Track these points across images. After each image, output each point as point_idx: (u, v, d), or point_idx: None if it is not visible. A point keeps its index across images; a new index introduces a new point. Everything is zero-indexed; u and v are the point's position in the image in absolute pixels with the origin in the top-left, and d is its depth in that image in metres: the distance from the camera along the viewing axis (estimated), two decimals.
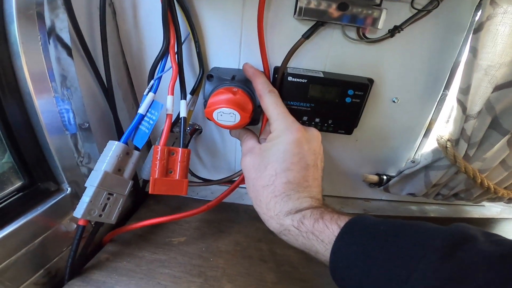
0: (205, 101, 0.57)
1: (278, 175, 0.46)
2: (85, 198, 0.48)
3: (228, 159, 0.77)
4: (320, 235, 0.42)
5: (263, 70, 0.57)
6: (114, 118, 0.60)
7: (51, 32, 0.47)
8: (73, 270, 0.53)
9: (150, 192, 0.51)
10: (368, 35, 0.55)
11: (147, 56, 0.61)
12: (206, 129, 0.72)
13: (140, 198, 0.76)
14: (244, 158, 0.52)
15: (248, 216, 0.74)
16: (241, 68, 0.59)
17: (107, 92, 0.57)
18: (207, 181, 0.76)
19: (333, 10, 0.51)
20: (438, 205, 0.88)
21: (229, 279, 0.56)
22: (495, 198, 0.72)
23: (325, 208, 0.46)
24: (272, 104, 0.51)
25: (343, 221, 0.41)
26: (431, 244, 0.34)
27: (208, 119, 0.53)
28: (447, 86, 0.63)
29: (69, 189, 0.55)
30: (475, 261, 0.31)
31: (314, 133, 0.53)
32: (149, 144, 0.72)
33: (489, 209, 0.89)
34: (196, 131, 0.71)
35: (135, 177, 0.67)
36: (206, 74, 0.57)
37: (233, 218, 0.73)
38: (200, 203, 0.73)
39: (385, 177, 0.76)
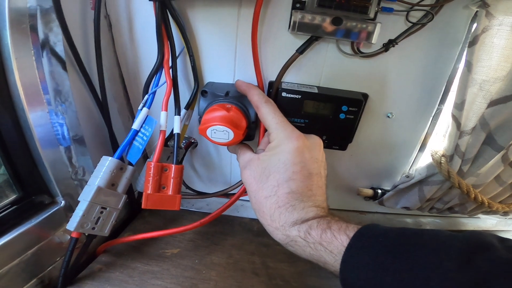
0: (200, 118, 0.58)
1: (280, 186, 0.45)
2: (78, 212, 0.49)
3: (224, 172, 0.77)
4: (328, 245, 0.40)
5: (257, 85, 0.57)
6: (109, 132, 0.60)
7: (45, 46, 0.47)
8: (66, 280, 0.54)
9: (143, 207, 0.51)
10: (362, 50, 0.56)
11: (143, 69, 0.61)
12: (202, 142, 0.72)
13: (135, 210, 0.77)
14: (244, 171, 0.50)
15: (242, 228, 0.75)
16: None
17: (102, 106, 0.57)
18: (201, 194, 0.76)
19: (327, 25, 0.51)
20: (433, 217, 0.87)
21: None
22: (490, 211, 0.72)
23: (332, 217, 0.44)
24: (269, 114, 0.50)
25: (352, 230, 0.40)
26: (446, 252, 0.33)
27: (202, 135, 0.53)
28: (442, 101, 0.62)
29: (63, 202, 0.56)
30: (493, 268, 0.30)
31: (316, 140, 0.51)
32: (145, 156, 0.73)
33: (485, 221, 0.88)
34: (191, 144, 0.71)
35: (130, 188, 0.67)
36: (201, 88, 0.58)
37: (227, 230, 0.73)
38: (195, 215, 0.74)
39: (379, 191, 0.76)
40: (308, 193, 0.45)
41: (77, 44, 0.49)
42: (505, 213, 0.75)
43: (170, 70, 0.54)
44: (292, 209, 0.44)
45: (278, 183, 0.45)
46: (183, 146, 0.69)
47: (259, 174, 0.47)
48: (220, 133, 0.51)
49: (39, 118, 0.49)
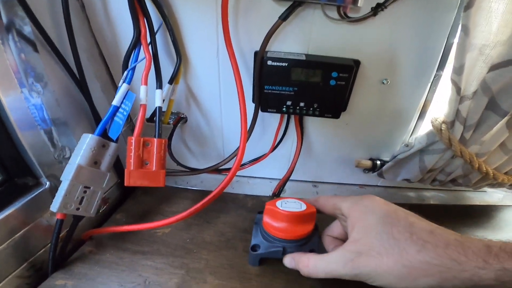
0: None
1: (409, 254, 0.38)
2: (61, 192, 0.48)
3: (217, 146, 0.76)
4: None
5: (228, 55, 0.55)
6: (92, 110, 0.59)
7: (10, 29, 0.46)
8: (55, 263, 0.53)
9: (125, 184, 0.50)
10: (350, 14, 0.52)
11: (123, 47, 0.59)
12: (192, 117, 0.70)
13: (128, 190, 0.76)
14: (358, 260, 0.41)
15: (236, 205, 0.73)
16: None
17: (81, 85, 0.56)
18: (193, 170, 0.74)
19: None
20: (437, 191, 0.84)
21: (212, 270, 0.55)
22: (496, 184, 0.69)
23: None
24: (330, 200, 0.51)
25: None
26: None
27: None
28: (441, 67, 0.59)
29: (48, 183, 0.55)
30: None
31: (376, 199, 0.47)
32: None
33: (491, 195, 0.85)
34: (181, 119, 0.69)
35: (122, 168, 0.67)
36: (183, 61, 0.57)
37: (220, 208, 0.71)
38: (189, 193, 0.73)
39: (378, 162, 0.73)
40: (444, 239, 0.39)
41: (47, 26, 0.48)
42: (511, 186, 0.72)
43: (150, 46, 0.53)
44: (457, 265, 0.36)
45: (410, 261, 0.38)
46: (171, 122, 0.67)
47: (377, 263, 0.40)
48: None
49: (13, 101, 0.48)
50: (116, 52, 0.61)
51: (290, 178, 0.77)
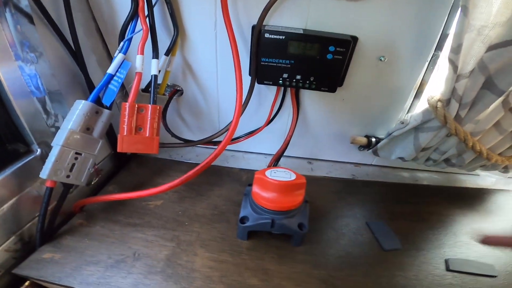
0: None
1: None
2: (51, 158, 0.47)
3: (212, 119, 0.75)
4: None
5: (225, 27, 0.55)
6: (87, 81, 0.59)
7: (7, 2, 0.46)
8: (43, 235, 0.53)
9: (118, 150, 0.49)
10: None
11: (120, 21, 0.59)
12: (188, 89, 0.70)
13: (122, 161, 0.75)
14: None
15: (230, 179, 0.73)
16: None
17: (76, 55, 0.56)
18: (187, 142, 0.74)
19: None
20: (431, 172, 0.85)
21: (203, 243, 0.55)
22: (489, 165, 0.69)
23: None
24: None
25: None
26: None
27: None
28: (439, 47, 0.59)
29: (39, 150, 0.54)
30: None
31: None
32: None
33: (484, 179, 0.85)
34: (177, 92, 0.68)
35: (116, 139, 0.66)
36: (180, 34, 0.58)
37: (215, 181, 0.71)
38: (184, 166, 0.72)
39: (373, 139, 0.73)
40: None
41: (46, 1, 0.49)
42: (505, 170, 0.72)
43: (147, 18, 0.54)
44: None
45: None
46: (167, 94, 0.67)
47: None
48: None
49: (8, 70, 0.48)
50: (113, 27, 0.61)
51: (286, 154, 0.77)
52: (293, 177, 0.53)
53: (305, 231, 0.53)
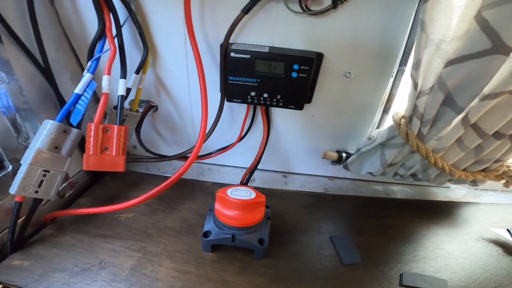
0: None
1: None
2: (19, 175, 0.49)
3: (188, 133, 0.77)
4: None
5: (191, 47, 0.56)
6: (58, 98, 0.60)
7: None
8: (14, 244, 0.54)
9: (84, 168, 0.51)
10: (311, 8, 0.53)
11: (91, 39, 0.59)
12: (162, 105, 0.71)
13: (97, 175, 0.77)
14: None
15: (203, 193, 0.74)
16: None
17: (46, 73, 0.57)
18: (162, 157, 0.76)
19: None
20: (403, 185, 0.86)
21: (169, 255, 0.56)
22: (457, 180, 0.70)
23: None
24: None
25: None
26: None
27: None
28: (404, 62, 0.60)
29: (10, 166, 0.56)
30: None
31: None
32: None
33: (454, 192, 0.86)
34: (151, 107, 0.70)
35: None
36: (151, 52, 0.59)
37: (187, 194, 0.73)
38: (158, 179, 0.73)
39: (344, 154, 0.74)
40: None
41: (12, 19, 0.51)
42: (473, 183, 0.73)
43: (115, 38, 0.55)
44: None
45: None
46: (141, 110, 0.68)
47: None
48: None
49: None
50: (85, 43, 0.62)
51: (261, 168, 0.78)
52: (253, 195, 0.55)
53: (265, 246, 0.54)
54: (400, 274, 0.57)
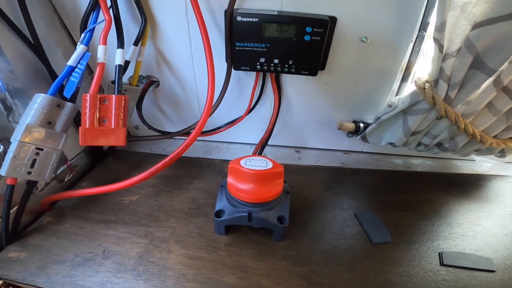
0: None
1: None
2: (9, 154, 0.44)
3: (192, 109, 0.72)
4: None
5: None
6: (50, 74, 0.56)
7: None
8: (9, 235, 0.50)
9: (80, 143, 0.46)
10: None
11: (83, 13, 0.55)
12: (164, 80, 0.67)
13: (98, 157, 0.72)
14: None
15: (211, 171, 0.70)
16: None
17: (36, 49, 0.53)
18: (166, 134, 0.71)
19: None
20: (424, 158, 0.81)
21: (178, 239, 0.52)
22: (484, 149, 0.65)
23: None
24: None
25: None
26: None
27: None
28: (424, 27, 0.56)
29: (1, 147, 0.51)
30: None
31: None
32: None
33: (480, 164, 0.82)
34: (152, 83, 0.65)
35: None
36: (150, 24, 0.56)
37: (195, 173, 0.68)
38: (162, 159, 0.69)
39: (362, 125, 0.69)
40: None
41: None
42: (501, 153, 0.68)
43: (111, 8, 0.52)
44: None
45: None
46: (142, 85, 0.64)
47: None
48: None
49: None
50: (77, 19, 0.57)
51: (272, 144, 0.74)
52: (270, 165, 0.50)
53: (286, 224, 0.49)
54: (440, 253, 0.52)
